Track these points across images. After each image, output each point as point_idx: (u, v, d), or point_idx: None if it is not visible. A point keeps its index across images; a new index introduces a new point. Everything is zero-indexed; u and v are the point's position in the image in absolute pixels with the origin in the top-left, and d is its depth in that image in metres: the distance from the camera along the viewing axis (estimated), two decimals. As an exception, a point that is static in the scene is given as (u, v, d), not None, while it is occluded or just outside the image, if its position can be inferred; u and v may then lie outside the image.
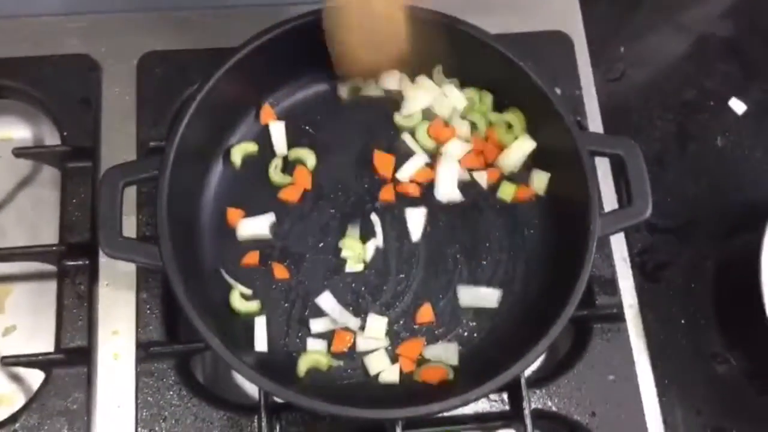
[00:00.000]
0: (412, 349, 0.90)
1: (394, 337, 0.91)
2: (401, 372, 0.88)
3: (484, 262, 0.94)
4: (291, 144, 0.97)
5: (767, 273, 0.91)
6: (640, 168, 0.89)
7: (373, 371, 0.88)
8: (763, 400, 0.98)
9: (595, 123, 1.05)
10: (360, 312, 0.91)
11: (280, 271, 0.92)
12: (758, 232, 0.93)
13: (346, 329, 0.90)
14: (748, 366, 0.99)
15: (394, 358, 0.89)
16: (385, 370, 0.88)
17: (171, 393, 0.88)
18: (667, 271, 1.02)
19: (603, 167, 1.00)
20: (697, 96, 1.12)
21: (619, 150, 0.90)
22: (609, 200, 1.00)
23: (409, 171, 0.97)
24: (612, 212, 0.91)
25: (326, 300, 0.91)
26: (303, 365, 0.88)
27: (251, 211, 0.94)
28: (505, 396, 0.91)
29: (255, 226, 0.93)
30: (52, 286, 0.95)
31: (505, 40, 0.94)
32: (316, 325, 0.90)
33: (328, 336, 0.90)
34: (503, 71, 0.94)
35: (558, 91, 0.95)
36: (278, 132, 0.98)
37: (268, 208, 0.94)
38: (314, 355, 0.88)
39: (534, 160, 0.97)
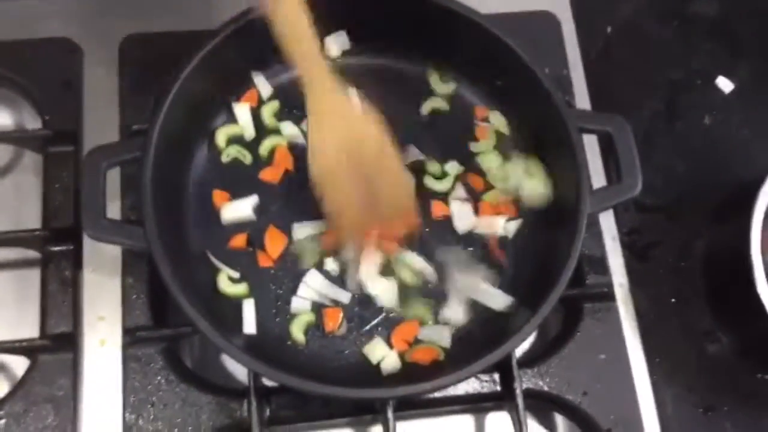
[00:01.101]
0: (407, 332, 0.89)
1: (386, 321, 0.90)
2: (392, 352, 0.88)
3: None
4: (276, 125, 0.96)
5: (756, 251, 0.90)
6: (629, 144, 0.88)
7: (374, 359, 0.87)
8: (753, 377, 0.98)
9: (582, 102, 1.04)
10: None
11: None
12: (747, 210, 0.93)
13: (335, 305, 0.89)
14: (739, 344, 0.99)
15: (390, 344, 0.88)
16: (386, 356, 0.87)
17: (159, 378, 0.87)
18: (657, 249, 1.02)
19: (588, 145, 0.99)
20: (684, 75, 1.12)
21: (608, 127, 0.90)
22: (595, 179, 0.99)
23: None
24: (601, 189, 0.92)
25: (313, 277, 0.90)
26: (296, 329, 0.87)
27: (237, 194, 0.93)
28: (496, 377, 0.90)
29: (239, 209, 0.92)
30: (35, 272, 0.93)
31: (492, 20, 0.94)
32: (303, 292, 0.89)
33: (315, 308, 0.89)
34: (490, 50, 0.93)
35: (546, 70, 0.94)
36: (263, 113, 0.96)
37: (253, 191, 0.93)
38: (305, 316, 0.88)
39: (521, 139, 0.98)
